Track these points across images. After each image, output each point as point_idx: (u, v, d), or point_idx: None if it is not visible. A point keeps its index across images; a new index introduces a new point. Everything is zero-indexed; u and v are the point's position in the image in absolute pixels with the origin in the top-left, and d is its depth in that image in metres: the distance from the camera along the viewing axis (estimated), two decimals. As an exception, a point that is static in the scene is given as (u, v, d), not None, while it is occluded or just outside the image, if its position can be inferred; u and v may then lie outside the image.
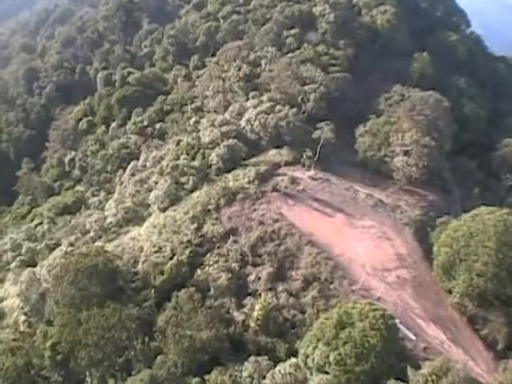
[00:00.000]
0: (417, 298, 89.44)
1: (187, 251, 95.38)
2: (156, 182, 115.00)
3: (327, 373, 74.59)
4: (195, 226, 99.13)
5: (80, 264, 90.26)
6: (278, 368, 77.19)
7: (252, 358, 79.75)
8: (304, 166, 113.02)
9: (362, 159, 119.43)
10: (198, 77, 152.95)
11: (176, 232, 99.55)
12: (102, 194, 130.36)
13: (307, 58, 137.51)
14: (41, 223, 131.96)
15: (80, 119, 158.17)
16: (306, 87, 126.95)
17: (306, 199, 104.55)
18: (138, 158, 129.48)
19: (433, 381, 70.12)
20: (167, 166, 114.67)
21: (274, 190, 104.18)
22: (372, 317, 75.25)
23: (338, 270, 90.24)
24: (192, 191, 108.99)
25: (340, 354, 73.93)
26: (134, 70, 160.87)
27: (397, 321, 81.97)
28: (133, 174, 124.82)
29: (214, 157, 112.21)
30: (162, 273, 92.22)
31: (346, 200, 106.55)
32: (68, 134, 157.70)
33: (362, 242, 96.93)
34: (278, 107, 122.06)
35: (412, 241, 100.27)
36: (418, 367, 76.28)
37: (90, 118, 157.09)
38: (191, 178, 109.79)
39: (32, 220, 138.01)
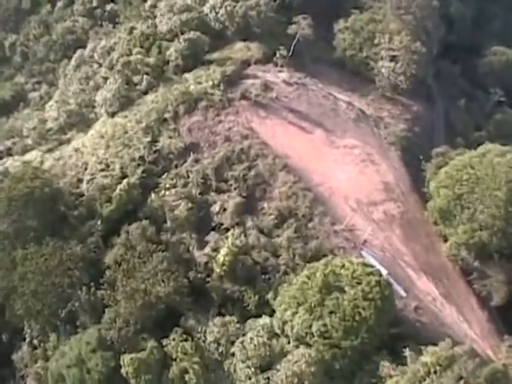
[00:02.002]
0: (406, 240, 68.34)
1: (139, 170, 70.81)
2: (105, 79, 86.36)
3: (309, 345, 54.73)
4: (149, 138, 73.61)
5: (13, 192, 65.31)
6: (249, 335, 56.45)
7: (218, 320, 58.80)
8: (276, 65, 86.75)
9: (339, 58, 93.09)
10: None
11: (126, 145, 73.88)
12: (44, 87, 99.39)
13: None
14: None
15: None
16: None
17: (281, 110, 78.78)
18: (84, 47, 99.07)
19: (436, 372, 51.01)
20: (117, 60, 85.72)
21: (243, 97, 77.47)
22: (366, 283, 54.21)
23: (317, 204, 67.56)
24: (146, 93, 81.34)
25: (325, 325, 53.72)
26: None
27: (385, 273, 62.18)
28: (78, 66, 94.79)
29: (172, 52, 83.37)
30: (109, 200, 68.05)
31: (326, 112, 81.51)
32: (9, 14, 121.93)
33: (344, 167, 73.76)
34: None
35: (399, 166, 77.50)
36: (410, 337, 58.43)
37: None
38: (145, 77, 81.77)
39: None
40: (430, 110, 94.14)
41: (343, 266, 55.80)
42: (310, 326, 53.97)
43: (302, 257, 63.09)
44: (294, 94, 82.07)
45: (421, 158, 75.61)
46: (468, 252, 65.75)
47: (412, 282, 65.32)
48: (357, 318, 53.11)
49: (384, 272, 62.18)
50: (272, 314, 60.62)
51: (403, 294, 62.91)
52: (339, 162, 74.07)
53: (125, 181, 68.44)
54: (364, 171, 74.08)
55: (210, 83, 77.88)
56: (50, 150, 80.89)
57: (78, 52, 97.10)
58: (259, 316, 60.64)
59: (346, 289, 54.58)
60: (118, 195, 67.18)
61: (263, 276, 63.16)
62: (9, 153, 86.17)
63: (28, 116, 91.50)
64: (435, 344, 57.75)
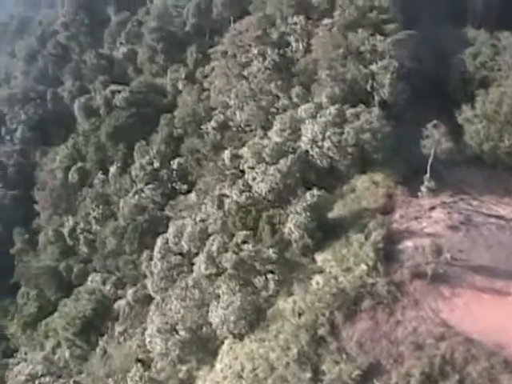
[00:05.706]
0: None
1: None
2: (207, 278, 66.94)
3: None
4: (309, 373, 52.82)
5: None
6: None
7: None
8: (421, 196, 65.52)
9: (475, 153, 72.65)
10: (205, 77, 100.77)
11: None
12: (130, 291, 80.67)
13: (350, 20, 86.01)
14: (59, 345, 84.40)
15: (68, 167, 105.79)
16: (373, 66, 77.65)
17: (463, 275, 56.88)
18: (165, 230, 79.49)
19: None
20: (219, 252, 65.87)
21: (415, 276, 56.44)
22: None
23: None
24: (273, 296, 60.72)
25: None
26: (117, 85, 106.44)
27: None
28: (163, 257, 75.78)
29: (292, 228, 62.81)
30: None
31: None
32: (58, 193, 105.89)
33: None
34: (349, 111, 72.55)
35: None
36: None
37: (79, 164, 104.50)
38: (270, 277, 61.56)
39: (46, 336, 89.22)
40: None
41: None
42: None
43: None
44: (468, 243, 60.40)
45: None
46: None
47: None
48: None
49: None
50: None
51: None
52: None
53: None
54: None
55: (364, 267, 56.94)
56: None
57: (160, 240, 77.18)
58: None
59: None
60: None
61: None
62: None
63: (126, 356, 70.29)
64: None
